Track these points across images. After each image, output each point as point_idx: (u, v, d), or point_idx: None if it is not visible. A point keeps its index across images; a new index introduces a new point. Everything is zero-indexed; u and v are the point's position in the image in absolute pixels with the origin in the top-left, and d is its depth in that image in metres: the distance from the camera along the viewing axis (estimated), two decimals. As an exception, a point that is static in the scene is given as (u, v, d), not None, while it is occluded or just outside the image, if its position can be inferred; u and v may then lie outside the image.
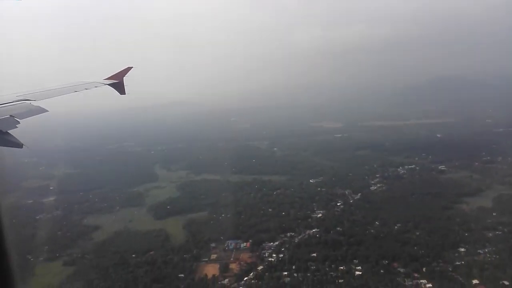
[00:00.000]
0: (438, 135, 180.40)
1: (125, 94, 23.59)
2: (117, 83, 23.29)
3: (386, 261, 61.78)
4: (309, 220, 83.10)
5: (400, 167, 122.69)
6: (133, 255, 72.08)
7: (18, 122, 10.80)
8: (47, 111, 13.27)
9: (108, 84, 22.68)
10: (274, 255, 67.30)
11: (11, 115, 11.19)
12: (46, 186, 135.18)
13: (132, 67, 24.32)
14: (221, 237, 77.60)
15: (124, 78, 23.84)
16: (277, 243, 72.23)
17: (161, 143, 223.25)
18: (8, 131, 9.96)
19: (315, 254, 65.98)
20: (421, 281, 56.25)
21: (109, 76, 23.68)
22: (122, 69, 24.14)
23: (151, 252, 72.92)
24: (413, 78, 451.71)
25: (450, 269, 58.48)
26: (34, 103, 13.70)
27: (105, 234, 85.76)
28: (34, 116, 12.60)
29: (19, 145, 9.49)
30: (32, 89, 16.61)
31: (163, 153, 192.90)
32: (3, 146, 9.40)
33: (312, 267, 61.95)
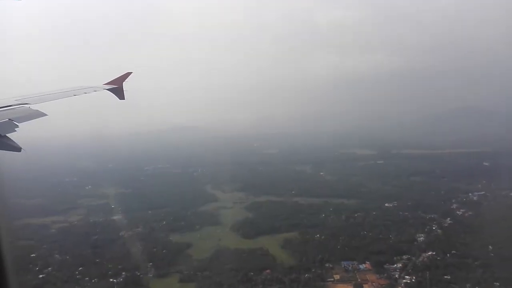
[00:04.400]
0: (486, 163, 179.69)
1: (124, 99, 23.25)
2: (117, 88, 23.10)
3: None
4: (415, 243, 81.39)
5: (470, 194, 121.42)
6: (251, 273, 69.99)
7: (17, 126, 10.74)
8: (46, 115, 13.20)
9: (107, 89, 22.53)
10: (408, 276, 65.31)
11: (9, 119, 11.13)
12: (106, 205, 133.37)
13: (131, 72, 24.05)
14: (332, 258, 75.68)
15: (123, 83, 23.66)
16: (400, 265, 70.32)
17: (196, 165, 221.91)
18: (6, 135, 9.85)
19: (449, 277, 64.10)
20: None
21: (109, 81, 23.53)
22: (122, 74, 24.01)
23: (267, 271, 70.89)
24: (433, 108, 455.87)
25: None
26: (33, 107, 13.65)
27: (203, 252, 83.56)
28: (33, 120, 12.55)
29: (17, 149, 9.29)
30: (31, 93, 16.60)
31: (207, 175, 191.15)
32: (2, 149, 9.24)
33: (456, 289, 60.03)
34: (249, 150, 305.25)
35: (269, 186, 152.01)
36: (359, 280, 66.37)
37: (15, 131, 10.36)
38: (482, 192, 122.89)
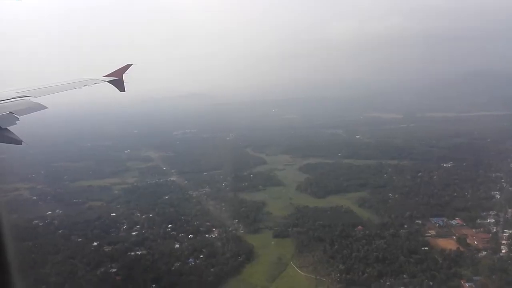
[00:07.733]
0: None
1: (124, 91, 23.11)
2: (117, 80, 22.96)
3: None
4: (493, 200, 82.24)
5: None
6: (345, 229, 70.77)
7: (18, 119, 10.78)
8: (46, 107, 13.26)
9: (108, 81, 22.42)
10: (507, 230, 66.31)
11: (10, 112, 11.19)
12: (156, 167, 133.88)
13: (131, 64, 23.77)
14: (418, 215, 76.26)
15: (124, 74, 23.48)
16: (492, 220, 71.22)
17: (224, 130, 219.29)
18: (7, 127, 9.83)
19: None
20: None
21: (109, 73, 23.35)
22: (122, 66, 23.76)
23: (359, 227, 71.71)
24: (449, 72, 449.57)
25: None
26: (34, 100, 13.80)
27: (281, 210, 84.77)
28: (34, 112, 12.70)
29: (18, 141, 9.26)
30: (31, 86, 16.63)
31: (240, 139, 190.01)
32: (2, 142, 9.15)
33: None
34: (269, 116, 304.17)
35: (312, 149, 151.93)
36: (456, 234, 67.18)
37: (16, 124, 10.32)
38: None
